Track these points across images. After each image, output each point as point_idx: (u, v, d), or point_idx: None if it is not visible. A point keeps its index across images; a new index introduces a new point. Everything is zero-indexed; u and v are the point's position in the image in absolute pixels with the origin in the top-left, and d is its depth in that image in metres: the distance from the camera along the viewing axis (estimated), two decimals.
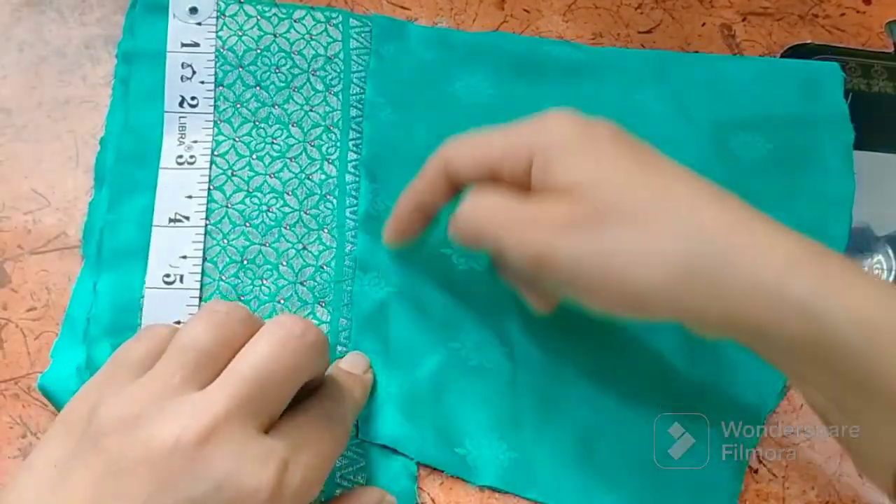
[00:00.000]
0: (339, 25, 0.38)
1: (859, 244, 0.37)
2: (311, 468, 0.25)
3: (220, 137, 0.36)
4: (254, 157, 0.36)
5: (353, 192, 0.36)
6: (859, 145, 0.39)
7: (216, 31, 0.37)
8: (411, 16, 0.40)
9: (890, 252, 0.37)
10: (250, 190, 0.36)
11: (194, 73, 0.36)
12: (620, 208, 0.26)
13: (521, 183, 0.29)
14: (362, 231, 0.35)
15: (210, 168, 0.35)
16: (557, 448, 0.33)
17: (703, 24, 0.42)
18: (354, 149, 0.37)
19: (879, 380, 0.24)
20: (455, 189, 0.31)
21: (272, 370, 0.25)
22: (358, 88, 0.38)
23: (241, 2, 0.38)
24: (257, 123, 0.37)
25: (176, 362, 0.25)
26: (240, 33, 0.38)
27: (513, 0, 0.41)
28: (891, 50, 0.42)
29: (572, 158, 0.27)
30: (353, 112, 0.37)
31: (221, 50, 0.37)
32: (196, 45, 0.37)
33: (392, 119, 0.37)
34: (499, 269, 0.33)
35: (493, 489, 0.33)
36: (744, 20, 0.42)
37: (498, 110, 0.38)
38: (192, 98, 0.36)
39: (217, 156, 0.36)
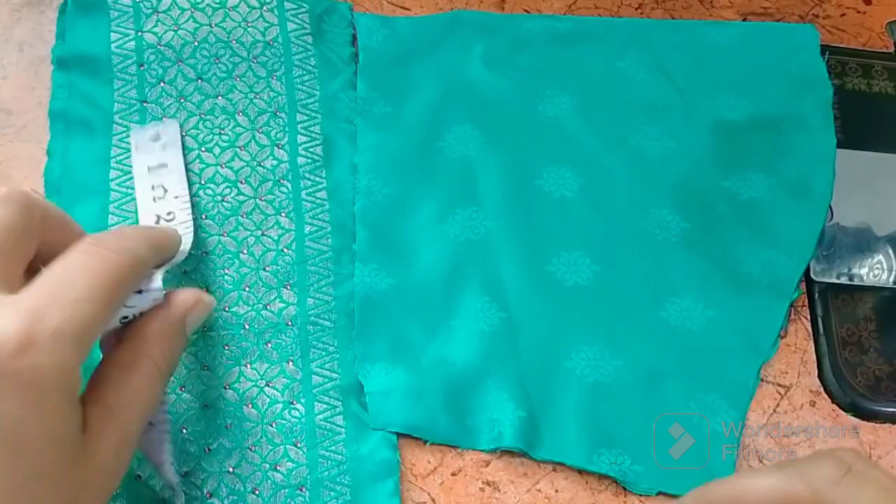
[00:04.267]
0: (275, 10, 0.38)
1: (859, 244, 0.37)
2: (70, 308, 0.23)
3: None
4: (203, 149, 0.36)
5: (307, 175, 0.36)
6: (860, 145, 0.39)
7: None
8: (412, 16, 0.40)
9: (890, 252, 0.37)
10: (203, 182, 0.36)
11: (166, 191, 0.35)
12: None
13: None
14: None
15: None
16: (562, 406, 0.33)
17: None
18: (303, 132, 0.37)
19: None
20: None
21: None
22: (301, 70, 0.38)
23: None
24: (203, 116, 0.37)
25: None
26: (175, 28, 0.37)
27: (513, 0, 0.41)
28: (891, 50, 0.42)
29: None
30: (300, 95, 0.37)
31: (158, 46, 0.37)
32: (164, 165, 0.35)
33: (385, 111, 0.38)
34: None
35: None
36: (744, 20, 0.41)
37: (487, 84, 0.39)
38: (168, 213, 0.34)
39: None
